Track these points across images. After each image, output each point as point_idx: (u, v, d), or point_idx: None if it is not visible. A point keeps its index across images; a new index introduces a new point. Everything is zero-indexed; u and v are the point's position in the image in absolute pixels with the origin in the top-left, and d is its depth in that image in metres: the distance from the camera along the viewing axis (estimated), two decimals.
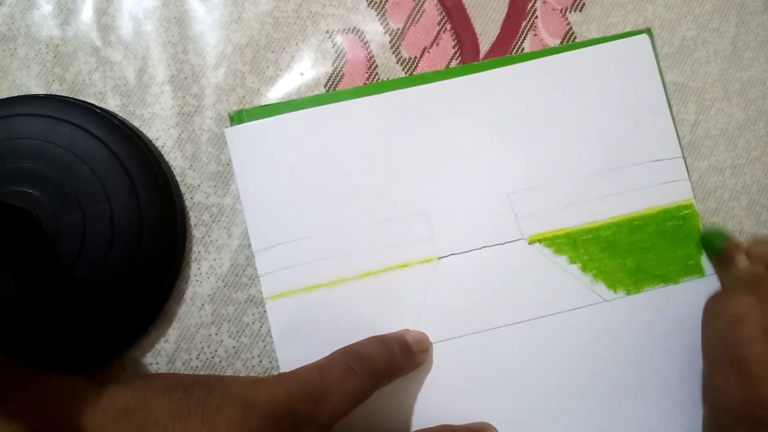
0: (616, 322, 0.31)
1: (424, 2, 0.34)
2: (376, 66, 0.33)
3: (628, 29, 0.34)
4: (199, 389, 0.25)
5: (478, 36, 0.34)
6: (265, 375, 0.30)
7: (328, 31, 0.33)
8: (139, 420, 0.24)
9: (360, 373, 0.26)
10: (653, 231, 0.32)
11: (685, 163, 0.32)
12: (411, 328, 0.30)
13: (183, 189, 0.32)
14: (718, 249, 0.30)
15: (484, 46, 0.34)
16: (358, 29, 0.33)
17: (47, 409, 0.24)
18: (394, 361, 0.28)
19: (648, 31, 0.33)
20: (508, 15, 0.34)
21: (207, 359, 0.30)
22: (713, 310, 0.27)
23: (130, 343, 0.30)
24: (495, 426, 0.29)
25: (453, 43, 0.33)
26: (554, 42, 0.34)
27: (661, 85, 0.33)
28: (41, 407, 0.24)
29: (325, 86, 0.33)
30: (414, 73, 0.33)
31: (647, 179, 0.32)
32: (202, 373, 0.30)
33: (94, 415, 0.24)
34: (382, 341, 0.28)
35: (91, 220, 0.28)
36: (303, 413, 0.25)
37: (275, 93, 0.32)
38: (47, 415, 0.24)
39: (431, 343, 0.30)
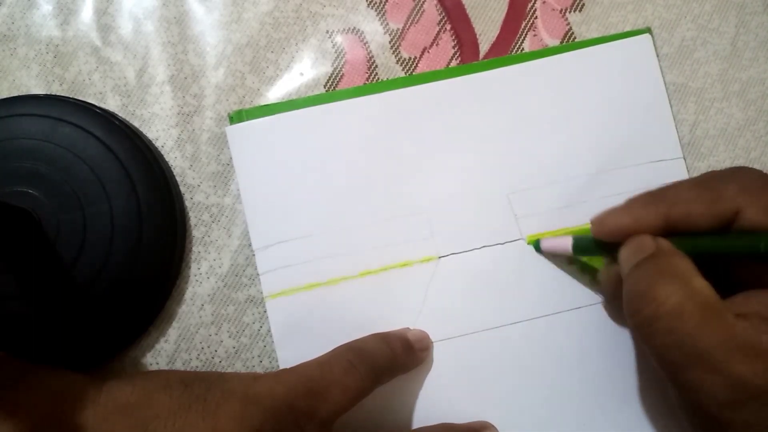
0: (616, 323, 0.31)
1: (423, 2, 0.34)
2: (376, 66, 0.33)
3: (627, 29, 0.34)
4: (199, 385, 0.25)
5: (477, 36, 0.34)
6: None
7: (328, 31, 0.33)
8: (140, 415, 0.24)
9: (361, 370, 0.26)
10: None
11: (685, 164, 0.32)
12: (411, 327, 0.30)
13: (183, 189, 0.32)
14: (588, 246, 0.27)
15: (484, 46, 0.34)
16: (358, 29, 0.33)
17: (48, 405, 0.24)
18: (396, 358, 0.28)
19: (648, 30, 0.33)
20: (507, 15, 0.34)
21: (207, 359, 0.30)
22: (645, 318, 0.23)
23: (130, 343, 0.30)
24: (495, 425, 0.29)
25: (453, 43, 0.34)
26: (554, 42, 0.34)
27: (663, 85, 0.33)
28: (41, 403, 0.24)
29: (324, 86, 0.33)
30: (414, 73, 0.33)
31: (648, 180, 0.32)
32: None
33: (95, 410, 0.24)
34: (383, 338, 0.28)
35: (91, 220, 0.28)
36: (304, 409, 0.25)
37: (275, 93, 0.33)
38: (47, 411, 0.24)
39: (432, 342, 0.30)
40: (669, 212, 0.25)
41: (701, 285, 0.23)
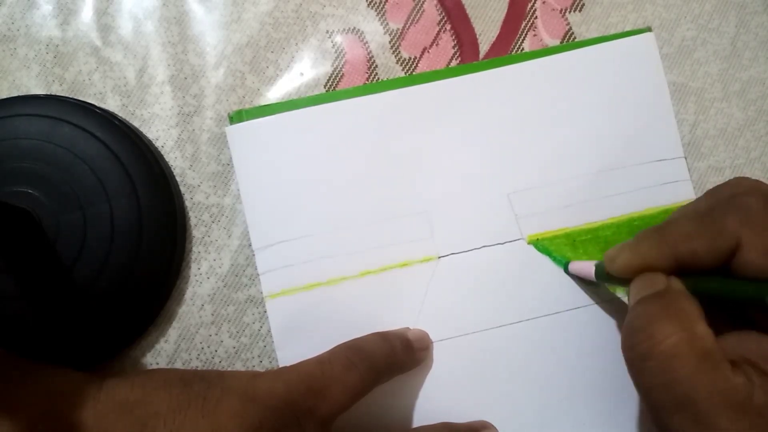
0: (616, 323, 0.31)
1: (423, 2, 0.34)
2: (376, 66, 0.33)
3: (627, 29, 0.34)
4: (199, 383, 0.25)
5: (477, 36, 0.34)
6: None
7: (327, 31, 0.33)
8: (139, 413, 0.24)
9: (360, 368, 0.26)
10: None
11: (686, 163, 0.32)
12: (411, 327, 0.30)
13: (183, 189, 0.32)
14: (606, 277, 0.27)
15: (484, 46, 0.34)
16: (358, 29, 0.33)
17: (47, 403, 0.24)
18: (395, 356, 0.28)
19: (649, 30, 0.33)
20: (507, 15, 0.34)
21: (207, 359, 0.30)
22: (638, 354, 0.23)
23: (130, 343, 0.30)
24: (495, 424, 0.30)
25: (453, 43, 0.34)
26: (554, 42, 0.34)
27: (666, 84, 0.33)
28: (41, 401, 0.24)
29: (324, 86, 0.33)
30: (414, 73, 0.33)
31: (648, 179, 0.32)
32: None
33: (94, 408, 0.24)
34: (383, 337, 0.28)
35: (91, 220, 0.28)
36: (303, 406, 0.25)
37: (275, 93, 0.33)
38: (47, 409, 0.24)
39: (432, 342, 0.30)
40: (675, 252, 0.24)
41: (703, 332, 0.22)
